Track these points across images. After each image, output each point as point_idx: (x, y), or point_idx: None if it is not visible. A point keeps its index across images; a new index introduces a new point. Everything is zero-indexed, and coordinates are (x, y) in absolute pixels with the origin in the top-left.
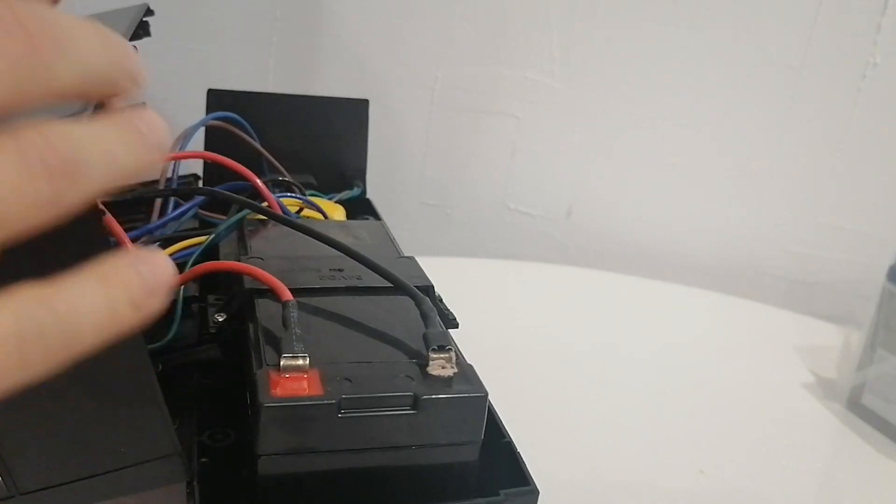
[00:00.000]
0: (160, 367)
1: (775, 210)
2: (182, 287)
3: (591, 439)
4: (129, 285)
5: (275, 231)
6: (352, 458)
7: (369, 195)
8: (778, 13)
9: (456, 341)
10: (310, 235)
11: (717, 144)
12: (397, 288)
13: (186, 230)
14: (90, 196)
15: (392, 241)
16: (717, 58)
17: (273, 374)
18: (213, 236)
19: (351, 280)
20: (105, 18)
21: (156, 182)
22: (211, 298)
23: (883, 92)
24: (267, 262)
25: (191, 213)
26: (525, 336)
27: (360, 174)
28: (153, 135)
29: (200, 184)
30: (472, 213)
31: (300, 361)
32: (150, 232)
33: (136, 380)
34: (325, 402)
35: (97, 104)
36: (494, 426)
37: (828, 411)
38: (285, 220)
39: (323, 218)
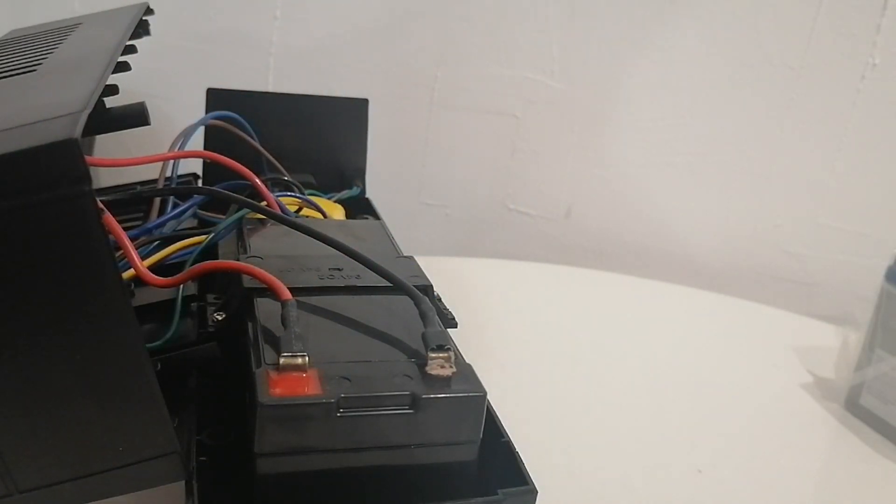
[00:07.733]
0: (159, 365)
1: (775, 210)
2: (181, 286)
3: (589, 439)
4: None
5: (274, 230)
6: (350, 458)
7: (369, 195)
8: (778, 13)
9: (455, 341)
10: (309, 235)
11: (717, 145)
12: (396, 287)
13: (185, 229)
14: None
15: (391, 240)
16: (717, 58)
17: (272, 374)
18: (212, 235)
19: (350, 279)
20: (105, 18)
21: (155, 181)
22: (210, 297)
23: (883, 92)
24: (266, 261)
25: (190, 212)
26: (524, 336)
27: (359, 174)
28: None
29: (199, 183)
30: (471, 212)
31: (299, 360)
32: (149, 231)
33: (135, 378)
34: (324, 401)
35: None
36: (493, 426)
37: (826, 412)
38: (284, 220)
39: (322, 217)
